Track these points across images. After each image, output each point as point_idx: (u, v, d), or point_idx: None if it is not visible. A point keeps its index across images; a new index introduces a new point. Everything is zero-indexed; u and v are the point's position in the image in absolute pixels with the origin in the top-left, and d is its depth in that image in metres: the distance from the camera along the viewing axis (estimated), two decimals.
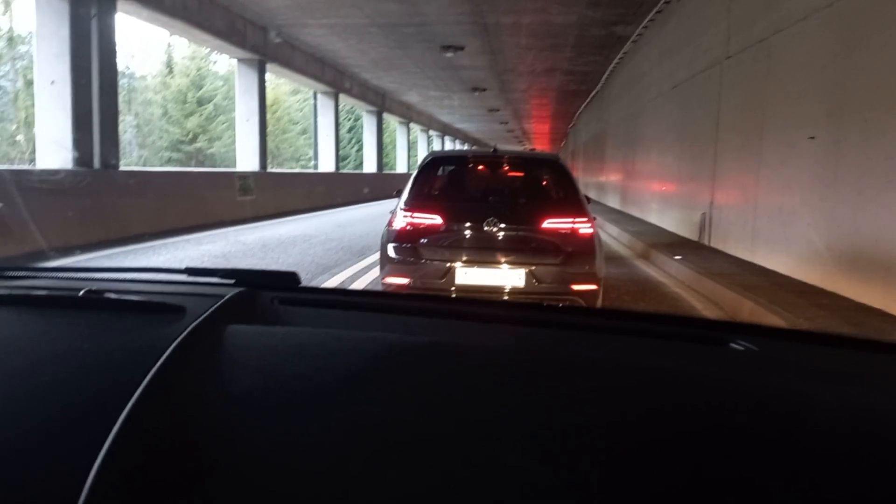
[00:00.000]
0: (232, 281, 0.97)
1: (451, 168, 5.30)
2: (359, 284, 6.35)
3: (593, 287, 4.36)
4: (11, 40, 31.58)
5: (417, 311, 0.95)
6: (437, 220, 4.44)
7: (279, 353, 0.67)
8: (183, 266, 1.06)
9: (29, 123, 28.55)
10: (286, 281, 1.01)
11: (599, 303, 4.48)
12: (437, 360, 0.68)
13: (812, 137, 5.84)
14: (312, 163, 22.67)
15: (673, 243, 9.23)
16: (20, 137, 31.38)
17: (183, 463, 0.51)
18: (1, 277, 1.06)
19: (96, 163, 9.48)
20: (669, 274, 7.50)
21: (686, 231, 10.06)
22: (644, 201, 14.06)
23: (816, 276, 5.77)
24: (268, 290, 0.94)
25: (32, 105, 14.10)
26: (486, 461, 0.51)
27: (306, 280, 6.44)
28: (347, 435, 0.54)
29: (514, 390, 0.63)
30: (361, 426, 0.56)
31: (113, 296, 0.85)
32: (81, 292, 0.85)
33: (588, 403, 0.61)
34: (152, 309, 0.81)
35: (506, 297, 4.33)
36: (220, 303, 0.80)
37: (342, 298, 1.09)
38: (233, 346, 0.69)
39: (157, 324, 0.75)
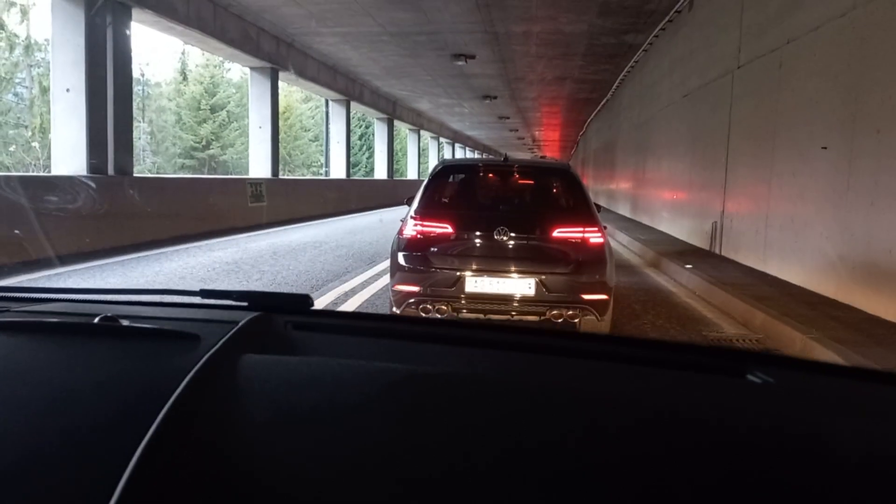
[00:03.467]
0: (245, 304, 0.98)
1: (462, 176, 5.31)
2: (368, 292, 6.37)
3: (604, 297, 4.35)
4: (28, 47, 31.98)
5: (431, 337, 0.95)
6: (447, 228, 4.45)
7: (294, 385, 0.68)
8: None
9: (44, 130, 28.87)
10: (299, 304, 1.01)
11: (610, 312, 4.46)
12: (451, 392, 0.69)
13: (825, 147, 5.81)
14: (324, 169, 22.77)
15: (684, 252, 9.19)
16: (35, 144, 31.71)
17: (200, 496, 0.52)
18: (15, 300, 1.06)
19: (110, 169, 9.58)
20: (680, 283, 7.46)
21: (697, 240, 10.02)
22: (655, 209, 14.01)
23: (830, 287, 5.73)
24: (281, 314, 0.95)
25: (48, 112, 14.26)
26: (501, 500, 0.52)
27: (316, 286, 6.49)
28: (362, 468, 0.55)
29: (528, 426, 0.63)
30: (376, 459, 0.56)
31: (127, 322, 0.86)
32: (97, 319, 0.85)
33: (603, 442, 0.61)
34: (167, 336, 0.82)
35: (515, 313, 4.31)
36: (233, 331, 0.81)
37: (355, 323, 1.08)
38: (247, 377, 0.70)
39: (172, 353, 0.76)
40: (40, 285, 5.74)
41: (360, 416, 0.63)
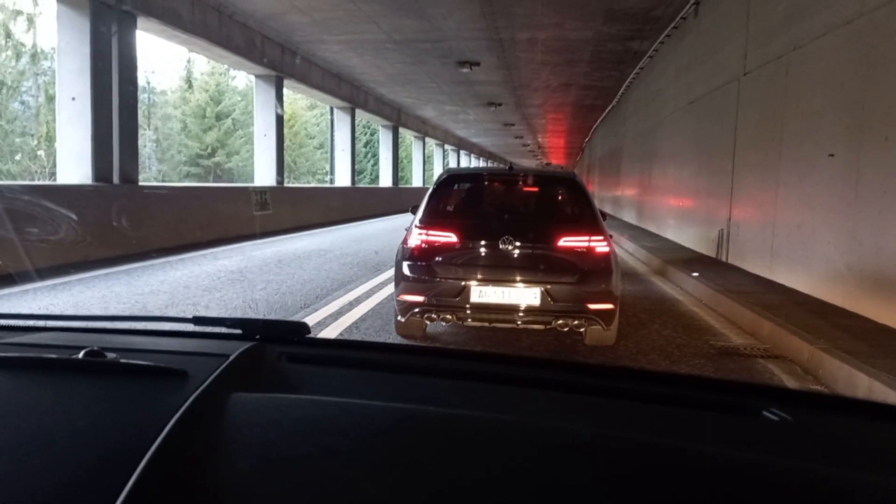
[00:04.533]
0: (239, 331, 0.95)
1: (467, 185, 5.28)
2: (374, 301, 6.35)
3: (610, 306, 4.32)
4: (34, 56, 32.20)
5: (433, 370, 0.91)
6: (452, 237, 4.43)
7: (284, 427, 0.65)
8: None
9: (50, 138, 29.03)
10: (295, 333, 0.98)
11: (616, 322, 4.43)
12: (449, 436, 0.66)
13: (832, 155, 5.78)
14: (329, 177, 22.82)
15: (690, 260, 9.15)
16: (41, 152, 31.88)
17: None
18: (1, 329, 1.03)
19: (115, 178, 9.60)
20: (686, 291, 7.42)
21: (703, 247, 9.97)
22: (660, 217, 13.97)
23: (837, 295, 5.68)
24: (275, 344, 0.91)
25: (54, 120, 14.34)
26: None
27: (321, 295, 6.47)
28: None
29: (535, 472, 0.60)
30: None
31: (114, 356, 0.82)
32: (81, 353, 0.82)
33: (614, 488, 0.58)
34: (155, 373, 0.78)
35: (520, 323, 4.28)
36: (224, 366, 0.78)
37: (353, 354, 1.04)
38: (236, 418, 0.67)
39: (159, 391, 0.73)
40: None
41: (353, 462, 0.60)
